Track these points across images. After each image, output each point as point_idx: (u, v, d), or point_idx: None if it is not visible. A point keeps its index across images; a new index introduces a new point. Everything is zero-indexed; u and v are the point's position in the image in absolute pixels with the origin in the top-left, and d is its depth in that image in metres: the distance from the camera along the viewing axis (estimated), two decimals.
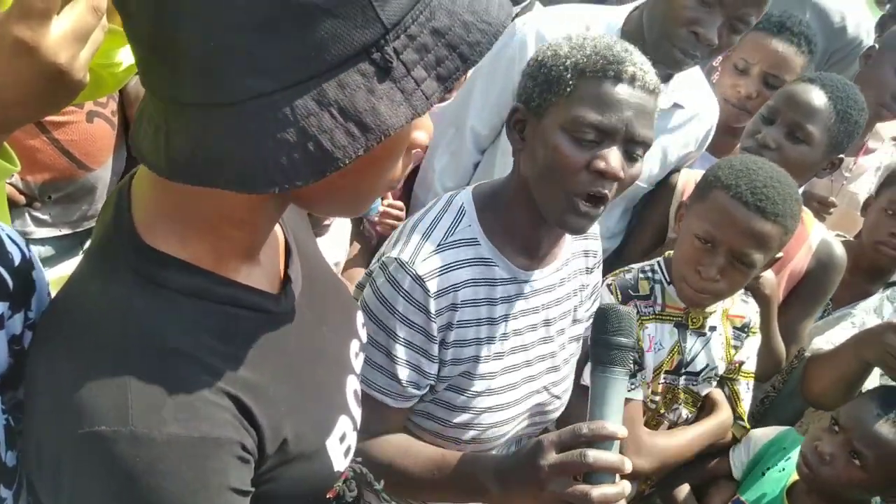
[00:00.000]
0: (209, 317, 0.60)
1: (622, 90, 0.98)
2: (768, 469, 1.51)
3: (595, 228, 1.23)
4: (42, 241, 1.60)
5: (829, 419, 1.38)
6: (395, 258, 1.05)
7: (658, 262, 1.46)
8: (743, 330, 1.50)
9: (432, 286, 1.03)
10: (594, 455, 0.86)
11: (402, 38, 0.50)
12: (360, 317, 0.86)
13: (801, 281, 1.64)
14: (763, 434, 1.58)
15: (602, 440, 0.88)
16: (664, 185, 1.68)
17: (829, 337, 1.62)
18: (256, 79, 0.49)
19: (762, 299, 1.54)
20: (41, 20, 0.61)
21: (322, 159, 0.50)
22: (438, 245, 1.06)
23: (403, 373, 1.06)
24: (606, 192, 1.01)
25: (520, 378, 1.15)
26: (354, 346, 0.82)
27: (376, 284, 1.07)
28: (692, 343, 1.44)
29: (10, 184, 1.48)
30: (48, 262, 1.63)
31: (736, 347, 1.50)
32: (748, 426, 1.56)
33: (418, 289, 1.03)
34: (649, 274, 1.45)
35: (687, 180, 1.65)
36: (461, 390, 1.10)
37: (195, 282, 0.59)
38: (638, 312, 1.38)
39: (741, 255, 1.28)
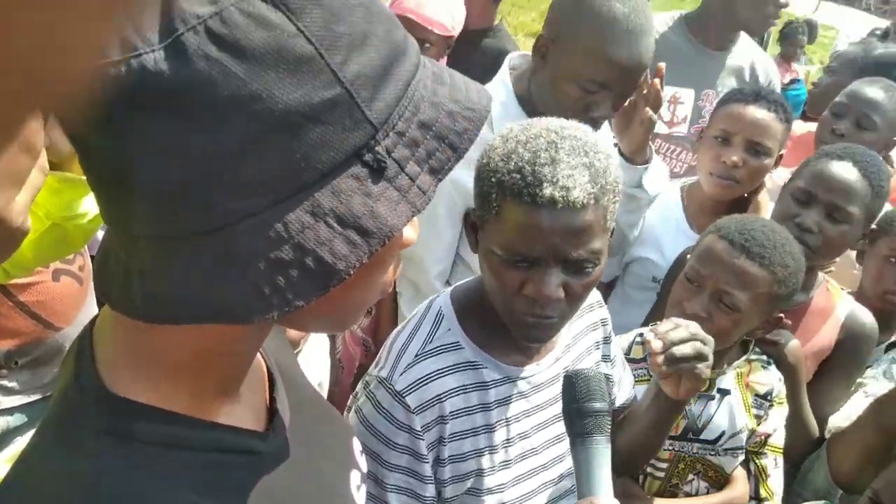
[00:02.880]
0: (190, 468, 0.53)
1: (542, 216, 0.89)
2: None
3: (595, 295, 1.20)
4: (11, 411, 1.51)
5: (866, 499, 1.27)
6: (375, 375, 1.01)
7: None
8: (766, 398, 1.44)
9: (413, 401, 0.97)
10: None
11: (391, 135, 0.48)
12: (356, 444, 0.80)
13: (832, 354, 1.60)
14: None
15: None
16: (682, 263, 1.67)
17: (847, 413, 1.55)
18: (243, 200, 0.45)
19: (786, 368, 1.49)
20: None
21: (323, 273, 0.46)
22: (417, 356, 1.01)
23: (396, 500, 0.97)
24: (549, 314, 0.95)
25: (537, 485, 1.06)
26: (355, 477, 0.75)
27: (358, 405, 1.01)
28: (700, 408, 1.40)
29: None
30: (20, 430, 1.53)
31: (758, 417, 1.43)
32: None
33: (399, 407, 0.97)
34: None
35: None
36: None
37: (171, 430, 0.53)
38: None
39: (723, 293, 1.29)
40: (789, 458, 1.56)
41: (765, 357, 1.48)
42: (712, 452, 1.41)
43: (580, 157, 0.91)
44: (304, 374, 0.80)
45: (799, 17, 7.03)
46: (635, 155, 1.63)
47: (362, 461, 0.79)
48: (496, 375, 1.03)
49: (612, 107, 1.47)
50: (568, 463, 1.09)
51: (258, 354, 0.68)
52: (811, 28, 8.11)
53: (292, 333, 1.43)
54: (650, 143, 1.66)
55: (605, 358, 1.22)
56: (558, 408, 1.08)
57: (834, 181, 1.52)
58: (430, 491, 0.99)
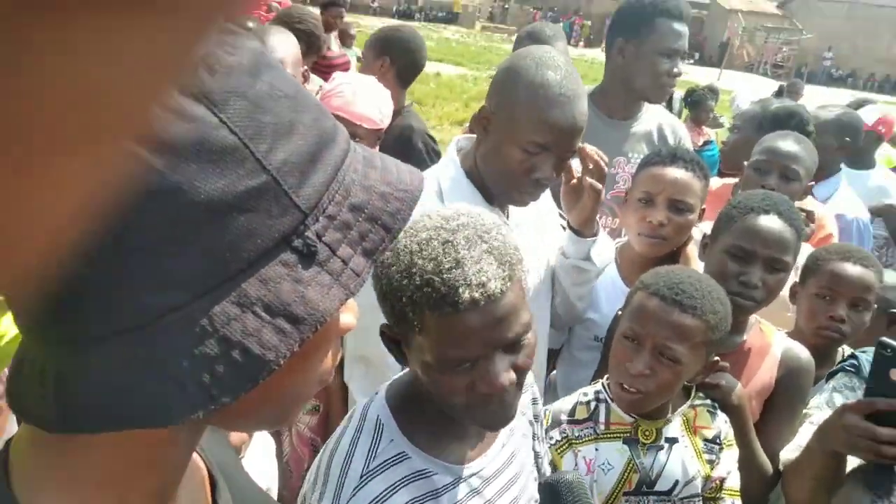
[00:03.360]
0: None
1: (469, 319, 0.87)
2: None
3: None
4: None
5: None
6: None
7: (602, 382, 1.48)
8: (715, 442, 1.46)
9: None
10: None
11: (321, 220, 0.47)
12: None
13: (774, 391, 1.64)
14: None
15: None
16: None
17: (796, 444, 1.57)
18: (165, 294, 0.43)
19: (731, 411, 1.51)
20: None
21: (251, 366, 0.44)
22: (362, 477, 0.93)
23: None
24: (507, 399, 0.94)
25: None
26: None
27: None
28: (651, 459, 1.40)
29: None
30: None
31: (710, 462, 1.44)
32: None
33: None
34: (591, 396, 1.46)
35: None
36: None
37: None
38: (566, 436, 1.40)
39: (664, 348, 1.33)
40: (748, 500, 1.56)
41: (709, 402, 1.50)
42: (669, 503, 1.41)
43: (478, 245, 0.89)
44: (248, 475, 0.77)
45: (702, 84, 7.55)
46: (585, 227, 1.70)
47: None
48: (447, 479, 0.99)
49: (553, 167, 1.55)
50: None
51: (196, 455, 0.65)
52: (713, 93, 8.74)
53: (234, 437, 1.37)
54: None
55: (536, 418, 1.21)
56: (511, 494, 1.06)
57: (770, 236, 1.58)
58: None
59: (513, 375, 0.92)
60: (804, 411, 1.65)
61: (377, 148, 2.51)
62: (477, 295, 0.86)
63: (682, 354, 1.32)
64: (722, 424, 1.48)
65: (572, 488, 0.88)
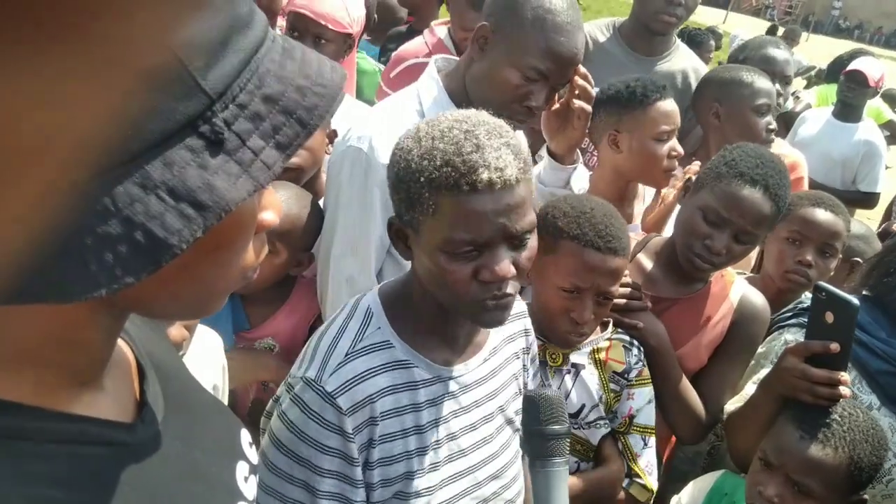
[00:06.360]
0: (43, 461, 0.49)
1: (484, 201, 0.90)
2: None
3: (521, 305, 1.22)
4: None
5: (758, 461, 1.32)
6: (301, 377, 0.96)
7: None
8: (623, 376, 1.46)
9: (344, 402, 0.93)
10: None
11: (231, 107, 0.46)
12: (245, 435, 0.78)
13: (726, 336, 1.61)
14: (701, 485, 1.49)
15: None
16: None
17: (741, 396, 1.57)
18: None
19: (650, 351, 1.51)
20: None
21: (153, 248, 0.43)
22: (347, 355, 0.97)
23: None
24: (505, 292, 0.95)
25: (464, 488, 1.04)
26: (242, 468, 0.73)
27: (282, 409, 0.97)
28: (557, 383, 1.43)
29: None
30: None
31: (615, 391, 1.46)
32: (650, 486, 1.44)
33: (329, 408, 0.93)
34: None
35: None
36: None
37: (16, 422, 0.49)
38: None
39: (606, 293, 1.36)
40: (680, 441, 1.59)
41: (626, 338, 1.50)
42: (576, 426, 1.43)
43: (498, 138, 0.93)
44: (188, 369, 0.78)
45: (702, 25, 7.41)
46: (568, 153, 1.67)
47: (252, 453, 0.77)
48: (427, 375, 1.01)
49: (546, 97, 1.52)
50: (495, 466, 1.09)
51: (125, 345, 0.65)
52: (716, 36, 8.57)
53: (174, 333, 1.37)
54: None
55: (525, 368, 1.22)
56: (486, 409, 1.08)
57: (747, 209, 1.49)
58: (360, 496, 0.96)
59: (513, 269, 0.94)
60: (754, 363, 1.63)
61: (353, 56, 2.39)
62: (495, 177, 0.89)
63: (616, 290, 1.38)
64: (633, 361, 1.49)
65: (551, 403, 0.91)
